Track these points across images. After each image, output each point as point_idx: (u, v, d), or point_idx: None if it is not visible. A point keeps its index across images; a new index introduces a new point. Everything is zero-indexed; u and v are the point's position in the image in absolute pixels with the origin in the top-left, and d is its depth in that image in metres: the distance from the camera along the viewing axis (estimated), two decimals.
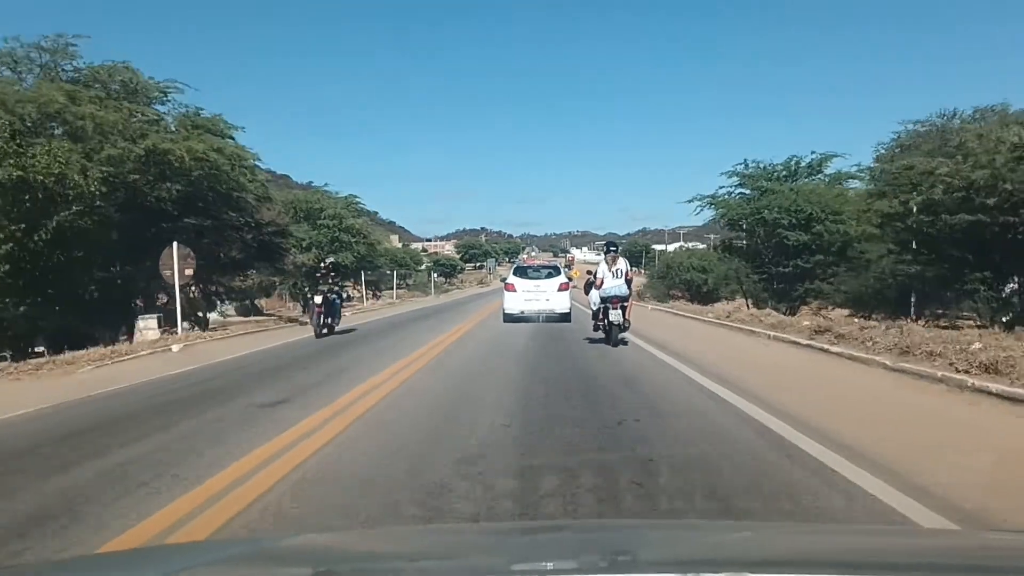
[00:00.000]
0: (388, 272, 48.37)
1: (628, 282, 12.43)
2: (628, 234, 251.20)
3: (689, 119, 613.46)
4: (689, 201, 30.07)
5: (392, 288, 56.68)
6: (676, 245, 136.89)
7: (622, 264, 12.49)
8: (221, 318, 56.12)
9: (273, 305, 51.06)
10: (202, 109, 21.49)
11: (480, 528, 3.20)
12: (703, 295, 41.36)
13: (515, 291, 19.12)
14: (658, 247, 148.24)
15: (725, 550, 1.72)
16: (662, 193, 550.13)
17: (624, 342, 12.41)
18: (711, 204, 29.38)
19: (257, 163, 23.71)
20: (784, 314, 23.76)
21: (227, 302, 30.79)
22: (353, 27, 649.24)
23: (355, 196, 46.88)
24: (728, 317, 17.89)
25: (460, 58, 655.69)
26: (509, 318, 18.64)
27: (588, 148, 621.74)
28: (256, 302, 58.16)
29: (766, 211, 24.89)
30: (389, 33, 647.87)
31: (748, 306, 29.01)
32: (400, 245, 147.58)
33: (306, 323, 18.03)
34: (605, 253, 12.91)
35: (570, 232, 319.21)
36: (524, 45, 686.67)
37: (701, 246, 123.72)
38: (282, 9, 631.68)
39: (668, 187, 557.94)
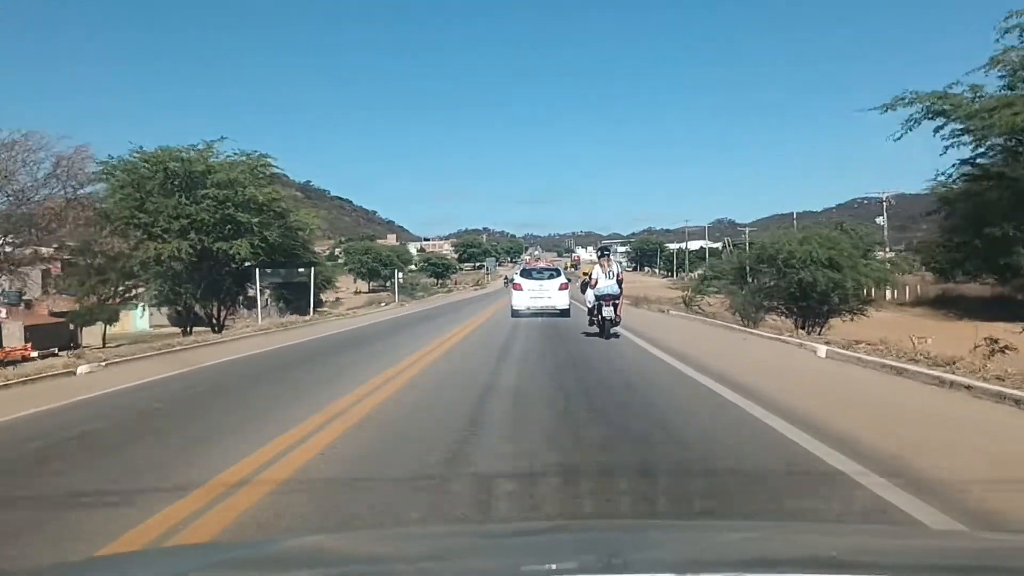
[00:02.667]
0: (300, 273, 31.64)
1: (619, 282, 13.58)
2: (633, 234, 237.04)
3: (690, 119, 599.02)
4: (884, 110, 13.91)
5: (365, 291, 41.24)
6: (699, 243, 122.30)
7: (615, 266, 13.78)
8: (151, 329, 39.97)
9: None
10: None
11: (481, 529, 3.11)
12: (813, 309, 24.34)
13: (522, 290, 21.83)
14: (672, 246, 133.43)
15: (725, 550, 1.70)
16: (664, 193, 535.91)
17: (616, 335, 13.32)
18: (939, 112, 13.08)
19: None
20: None
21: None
22: (353, 28, 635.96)
23: (265, 155, 30.59)
24: None
25: (462, 59, 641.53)
26: (516, 314, 20.98)
27: (590, 149, 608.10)
28: (197, 311, 40.88)
29: None
30: (390, 34, 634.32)
31: None
32: (397, 244, 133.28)
33: None
34: (599, 256, 14.41)
35: (574, 232, 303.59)
36: (526, 46, 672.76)
37: (714, 244, 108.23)
38: (282, 10, 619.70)
39: (669, 187, 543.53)
